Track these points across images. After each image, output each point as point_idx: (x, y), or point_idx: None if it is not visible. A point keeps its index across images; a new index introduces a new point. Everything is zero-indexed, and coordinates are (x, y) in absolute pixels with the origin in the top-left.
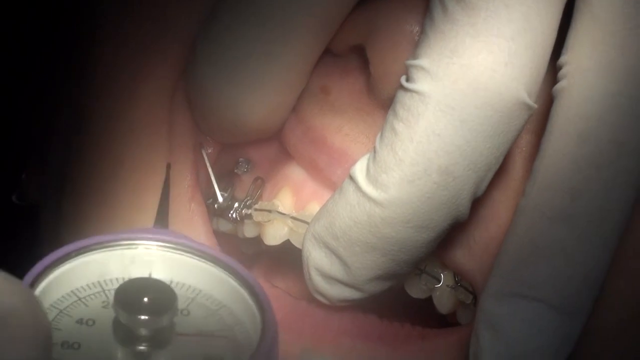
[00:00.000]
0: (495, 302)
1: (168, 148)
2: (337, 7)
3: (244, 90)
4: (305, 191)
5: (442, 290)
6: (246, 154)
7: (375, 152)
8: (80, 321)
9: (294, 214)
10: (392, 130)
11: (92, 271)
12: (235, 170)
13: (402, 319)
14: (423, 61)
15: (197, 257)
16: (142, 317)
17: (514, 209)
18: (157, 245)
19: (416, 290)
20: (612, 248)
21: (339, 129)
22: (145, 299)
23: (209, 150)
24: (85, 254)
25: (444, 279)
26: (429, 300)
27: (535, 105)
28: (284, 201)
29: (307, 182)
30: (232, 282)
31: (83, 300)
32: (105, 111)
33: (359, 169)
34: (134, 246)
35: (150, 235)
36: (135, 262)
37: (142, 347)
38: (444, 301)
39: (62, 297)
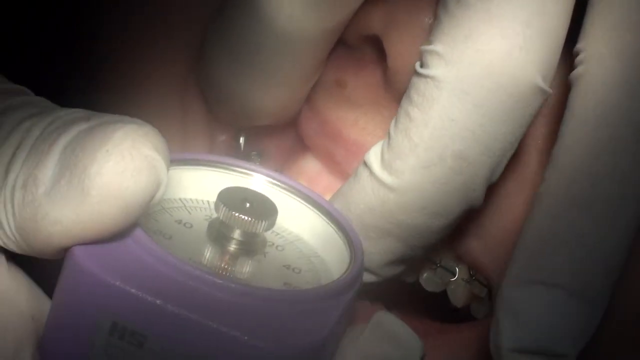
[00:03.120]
0: (515, 289)
1: (182, 137)
2: None
3: (256, 80)
4: (320, 184)
5: (457, 283)
6: (260, 146)
7: (389, 138)
8: (179, 222)
9: None
10: (407, 116)
11: (203, 187)
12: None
13: (420, 315)
14: (437, 46)
15: (302, 201)
16: (241, 215)
17: (529, 200)
18: (270, 182)
19: (431, 284)
20: (631, 235)
21: (355, 122)
22: (248, 204)
23: (222, 138)
24: (200, 167)
25: (459, 272)
26: (442, 295)
27: (550, 91)
28: None
29: (322, 174)
30: (331, 231)
31: (188, 208)
32: (117, 104)
33: (374, 155)
34: (249, 175)
35: (267, 171)
36: None
37: (231, 248)
38: (458, 295)
39: (169, 199)
